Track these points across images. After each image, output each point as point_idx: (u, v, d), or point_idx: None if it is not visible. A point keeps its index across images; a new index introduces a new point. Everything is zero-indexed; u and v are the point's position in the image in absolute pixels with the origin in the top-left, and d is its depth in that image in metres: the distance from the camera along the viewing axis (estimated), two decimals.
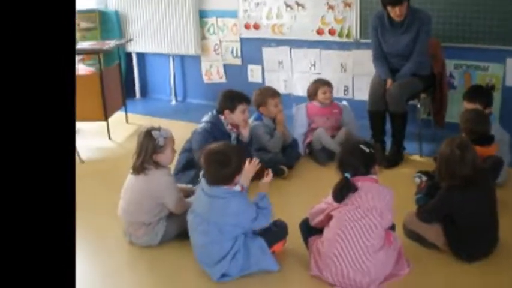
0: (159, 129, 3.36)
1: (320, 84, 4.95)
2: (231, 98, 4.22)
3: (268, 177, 3.18)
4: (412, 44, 4.57)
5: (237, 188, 3.03)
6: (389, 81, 4.63)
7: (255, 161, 3.14)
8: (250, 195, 3.15)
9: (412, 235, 3.33)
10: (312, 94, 4.98)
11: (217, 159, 3.00)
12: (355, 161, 2.97)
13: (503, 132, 4.06)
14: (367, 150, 2.97)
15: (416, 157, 4.79)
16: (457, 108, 4.95)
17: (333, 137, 4.76)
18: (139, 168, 3.33)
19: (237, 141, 4.25)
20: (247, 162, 3.09)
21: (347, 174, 2.93)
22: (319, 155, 4.71)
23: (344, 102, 5.10)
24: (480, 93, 4.27)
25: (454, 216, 3.13)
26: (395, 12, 4.46)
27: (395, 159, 4.61)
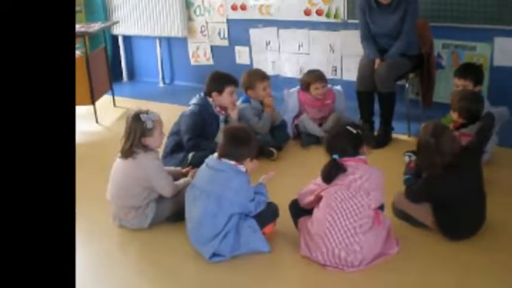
0: (147, 112, 3.33)
1: (313, 80, 4.74)
2: (219, 80, 4.20)
3: (271, 174, 3.32)
4: (400, 24, 4.56)
5: (242, 168, 3.08)
6: (377, 61, 4.62)
7: (256, 162, 3.19)
8: None
9: (401, 215, 3.35)
10: (304, 87, 4.80)
11: (238, 135, 3.09)
12: (343, 143, 2.97)
13: (496, 110, 4.05)
14: (355, 131, 2.97)
15: (405, 137, 4.80)
16: (445, 88, 4.97)
17: (321, 124, 4.75)
18: (127, 152, 3.31)
19: (225, 124, 4.24)
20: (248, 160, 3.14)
21: (335, 156, 2.93)
22: (304, 137, 4.71)
23: (338, 87, 5.00)
24: (471, 70, 4.26)
25: (440, 198, 3.14)
26: None
27: (383, 140, 4.62)
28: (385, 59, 4.61)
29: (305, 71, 5.10)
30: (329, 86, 4.88)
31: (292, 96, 4.89)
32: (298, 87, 4.91)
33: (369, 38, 4.74)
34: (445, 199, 3.12)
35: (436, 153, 3.07)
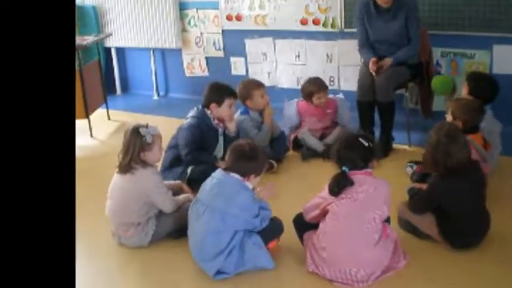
0: (146, 126, 3.26)
1: (315, 89, 4.69)
2: (219, 91, 4.12)
3: (270, 188, 3.28)
4: (401, 31, 4.53)
5: (249, 184, 3.03)
6: (372, 60, 4.52)
7: (258, 178, 3.14)
8: None
9: (407, 226, 3.32)
10: (306, 97, 4.74)
11: (246, 151, 3.03)
12: (354, 155, 2.90)
13: (496, 122, 4.02)
14: (367, 144, 2.90)
15: (405, 147, 4.76)
16: (443, 97, 4.92)
17: (324, 135, 4.70)
18: (126, 168, 3.23)
19: (224, 136, 4.17)
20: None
21: (345, 168, 2.87)
22: (305, 151, 4.64)
23: (340, 95, 4.93)
24: (471, 78, 4.18)
25: (444, 206, 3.10)
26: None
27: (384, 150, 4.55)
28: (394, 59, 4.54)
29: (302, 81, 5.05)
30: (331, 95, 4.83)
31: (291, 107, 4.82)
32: (297, 99, 4.83)
33: (367, 45, 4.69)
34: (448, 204, 3.09)
35: (444, 153, 3.05)
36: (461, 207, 3.07)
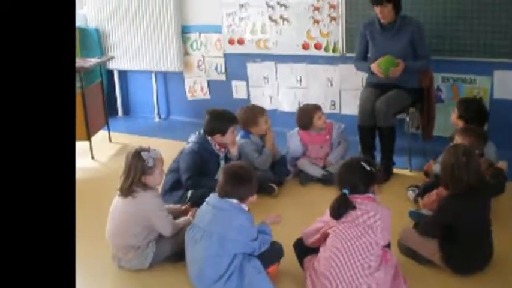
0: (148, 149, 3.26)
1: (313, 111, 4.67)
2: (222, 120, 4.11)
3: (276, 219, 3.37)
4: (405, 48, 4.57)
5: (245, 206, 3.04)
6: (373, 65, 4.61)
7: (255, 197, 3.13)
8: None
9: (407, 252, 3.30)
10: (307, 123, 4.69)
11: (239, 174, 3.02)
12: (355, 178, 2.90)
13: (491, 144, 4.01)
14: (368, 168, 2.90)
15: (406, 171, 4.74)
16: (444, 122, 4.94)
17: (327, 164, 4.68)
18: (127, 191, 3.23)
19: (226, 160, 4.17)
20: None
21: (345, 191, 2.87)
22: (303, 176, 4.63)
23: (341, 124, 4.88)
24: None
25: (453, 226, 3.08)
26: (379, 14, 4.50)
27: (385, 175, 4.55)
28: (408, 66, 4.55)
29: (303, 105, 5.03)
30: (328, 120, 4.81)
31: (294, 137, 4.77)
32: (297, 128, 4.79)
33: (363, 60, 4.78)
34: (458, 224, 3.07)
35: (465, 171, 3.05)
36: (470, 227, 3.07)
